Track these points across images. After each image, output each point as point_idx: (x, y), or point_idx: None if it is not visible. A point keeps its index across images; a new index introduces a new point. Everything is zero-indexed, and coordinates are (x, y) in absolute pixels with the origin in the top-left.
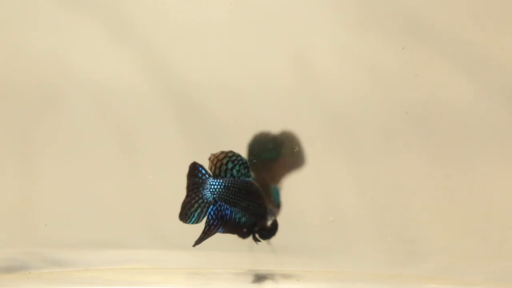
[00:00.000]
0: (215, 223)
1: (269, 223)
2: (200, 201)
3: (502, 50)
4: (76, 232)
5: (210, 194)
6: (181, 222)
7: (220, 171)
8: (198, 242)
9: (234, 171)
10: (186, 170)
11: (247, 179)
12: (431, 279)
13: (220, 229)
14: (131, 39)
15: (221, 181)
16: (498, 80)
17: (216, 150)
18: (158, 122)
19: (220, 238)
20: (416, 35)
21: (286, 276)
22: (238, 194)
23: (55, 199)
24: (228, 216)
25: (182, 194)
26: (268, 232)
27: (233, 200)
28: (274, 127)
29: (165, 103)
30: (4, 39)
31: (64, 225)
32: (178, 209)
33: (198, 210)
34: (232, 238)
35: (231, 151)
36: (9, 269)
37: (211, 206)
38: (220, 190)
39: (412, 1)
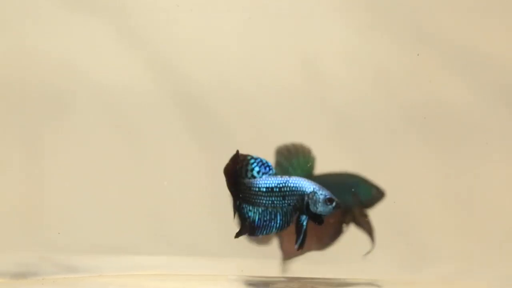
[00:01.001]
0: (246, 223)
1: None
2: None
3: (504, 52)
4: (90, 237)
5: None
6: (194, 229)
7: (241, 173)
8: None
9: (255, 172)
10: (196, 173)
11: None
12: (440, 284)
13: (258, 232)
14: (138, 41)
15: (245, 181)
16: (499, 82)
17: (223, 152)
18: (166, 123)
19: (230, 244)
20: (422, 39)
21: (296, 281)
22: (260, 193)
23: (70, 204)
24: (251, 218)
25: (194, 197)
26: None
27: (255, 201)
28: (281, 129)
29: (173, 105)
30: (13, 41)
31: (78, 231)
32: (191, 214)
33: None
34: (242, 244)
35: (248, 155)
36: (24, 274)
37: (244, 207)
38: (245, 193)
39: (416, 6)
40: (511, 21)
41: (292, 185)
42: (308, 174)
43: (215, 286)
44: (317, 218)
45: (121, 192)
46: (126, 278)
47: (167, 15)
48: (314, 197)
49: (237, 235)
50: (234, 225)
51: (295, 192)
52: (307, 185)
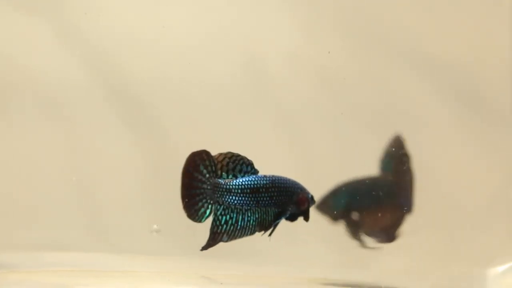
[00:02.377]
0: (219, 230)
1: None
2: (204, 201)
3: (448, 51)
4: (6, 234)
5: (214, 196)
6: (117, 224)
7: (221, 173)
8: (205, 248)
9: (237, 172)
10: (130, 171)
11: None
12: (374, 285)
13: (224, 237)
14: (78, 39)
15: (222, 181)
16: (444, 80)
17: (160, 149)
18: (103, 119)
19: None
20: (367, 39)
21: (209, 279)
22: (242, 194)
23: None
24: (234, 220)
25: (124, 194)
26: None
27: (239, 202)
28: (221, 128)
29: (110, 101)
30: None
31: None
32: (115, 211)
33: (208, 209)
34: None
35: (229, 152)
36: None
37: (218, 208)
38: (223, 193)
39: (362, 3)
40: (455, 20)
41: (279, 185)
42: None
43: (136, 282)
44: (305, 215)
45: (44, 189)
46: (41, 274)
47: (105, 11)
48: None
49: (206, 247)
50: (166, 223)
51: (283, 192)
52: (294, 184)
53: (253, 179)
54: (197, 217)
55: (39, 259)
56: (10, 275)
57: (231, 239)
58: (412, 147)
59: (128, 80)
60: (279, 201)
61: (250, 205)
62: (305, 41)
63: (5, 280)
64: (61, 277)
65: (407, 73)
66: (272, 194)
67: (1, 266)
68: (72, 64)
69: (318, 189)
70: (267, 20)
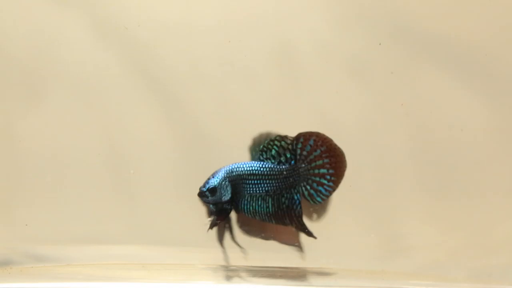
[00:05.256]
0: None
1: None
2: None
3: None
4: (58, 228)
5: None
6: (162, 219)
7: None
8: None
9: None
10: (174, 166)
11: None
12: (412, 275)
13: None
14: (119, 34)
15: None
16: (481, 80)
17: (205, 152)
18: (145, 117)
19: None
20: (397, 34)
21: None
22: None
23: (37, 195)
24: None
25: (168, 187)
26: None
27: None
28: (254, 116)
29: (147, 91)
30: None
31: (46, 222)
32: (157, 207)
33: None
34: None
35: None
36: None
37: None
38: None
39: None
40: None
41: None
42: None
43: (184, 275)
44: None
45: (91, 182)
46: (94, 268)
47: (152, 11)
48: None
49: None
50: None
51: None
52: None
53: None
54: None
55: (85, 252)
56: (59, 268)
57: None
58: (439, 141)
59: (163, 68)
60: None
61: None
62: (338, 31)
63: (57, 273)
64: (109, 270)
65: (437, 65)
66: None
67: (50, 259)
68: (106, 52)
69: (350, 180)
70: (301, 8)
